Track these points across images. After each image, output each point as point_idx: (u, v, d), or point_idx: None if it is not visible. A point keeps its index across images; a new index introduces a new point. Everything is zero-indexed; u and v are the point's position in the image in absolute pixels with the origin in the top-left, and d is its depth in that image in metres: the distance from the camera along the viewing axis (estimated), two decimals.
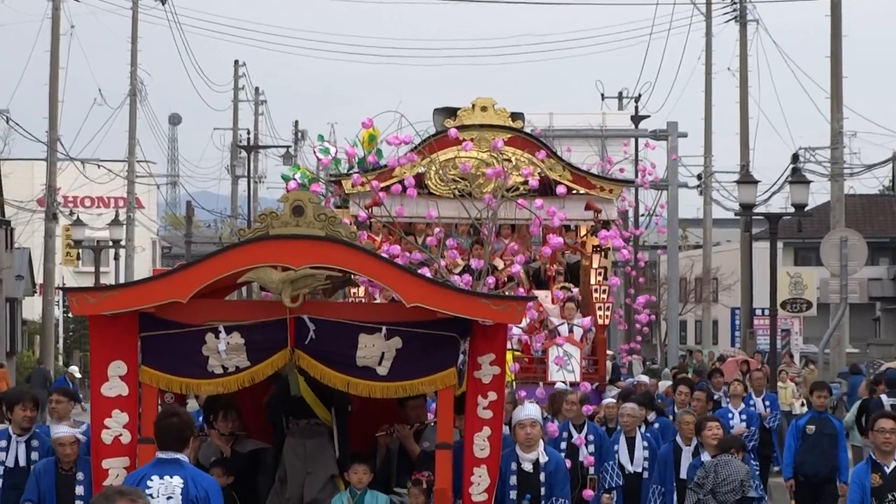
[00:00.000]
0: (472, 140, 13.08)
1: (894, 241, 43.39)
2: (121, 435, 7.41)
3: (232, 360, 7.40)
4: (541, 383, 13.45)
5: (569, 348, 13.96)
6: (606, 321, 14.93)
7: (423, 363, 7.51)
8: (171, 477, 6.80)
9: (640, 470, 11.86)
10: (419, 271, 10.34)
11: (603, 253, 15.04)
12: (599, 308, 14.87)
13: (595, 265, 15.05)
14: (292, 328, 7.43)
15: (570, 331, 14.48)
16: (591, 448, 11.78)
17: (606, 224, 14.80)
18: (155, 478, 6.81)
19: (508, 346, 13.24)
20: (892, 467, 8.47)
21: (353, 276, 8.11)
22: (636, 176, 16.18)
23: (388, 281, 7.32)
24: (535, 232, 11.65)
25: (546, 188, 13.33)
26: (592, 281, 15.07)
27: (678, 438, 11.61)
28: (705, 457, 10.62)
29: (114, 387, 7.41)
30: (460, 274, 12.84)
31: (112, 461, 7.41)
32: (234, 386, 7.52)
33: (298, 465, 8.38)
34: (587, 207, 14.68)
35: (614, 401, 13.90)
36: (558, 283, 15.44)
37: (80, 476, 8.92)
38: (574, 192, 14.59)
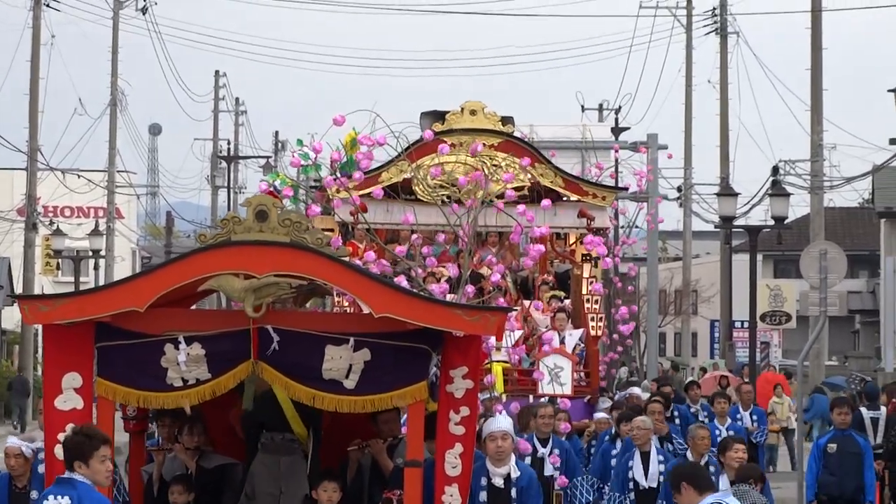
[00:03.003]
0: (461, 144, 12.78)
1: (874, 253, 43.31)
2: None
3: (192, 372, 7.11)
4: (530, 396, 13.14)
5: (560, 360, 13.63)
6: (599, 332, 14.61)
7: (392, 376, 7.23)
8: (62, 497, 6.46)
9: (654, 485, 11.44)
10: (396, 280, 10.06)
11: (594, 262, 14.76)
12: (592, 319, 14.56)
13: (586, 274, 14.76)
14: (255, 339, 7.14)
15: (562, 342, 14.15)
16: (558, 462, 11.44)
17: (599, 232, 14.54)
18: (50, 497, 6.47)
19: (499, 357, 13.00)
20: None
21: (322, 285, 7.81)
22: (616, 183, 15.95)
23: (355, 290, 7.03)
24: (516, 240, 11.29)
25: (537, 195, 13.09)
26: (584, 291, 14.78)
27: (689, 454, 11.26)
28: (724, 480, 10.23)
29: (68, 400, 7.13)
30: (441, 283, 12.54)
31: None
32: (194, 399, 7.23)
33: (272, 483, 8.08)
34: (580, 214, 14.40)
35: (605, 415, 13.57)
36: (547, 293, 15.11)
37: (33, 495, 8.58)
38: (565, 198, 14.31)
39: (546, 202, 11.08)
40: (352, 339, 7.14)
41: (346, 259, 7.15)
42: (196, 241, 6.99)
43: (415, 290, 8.80)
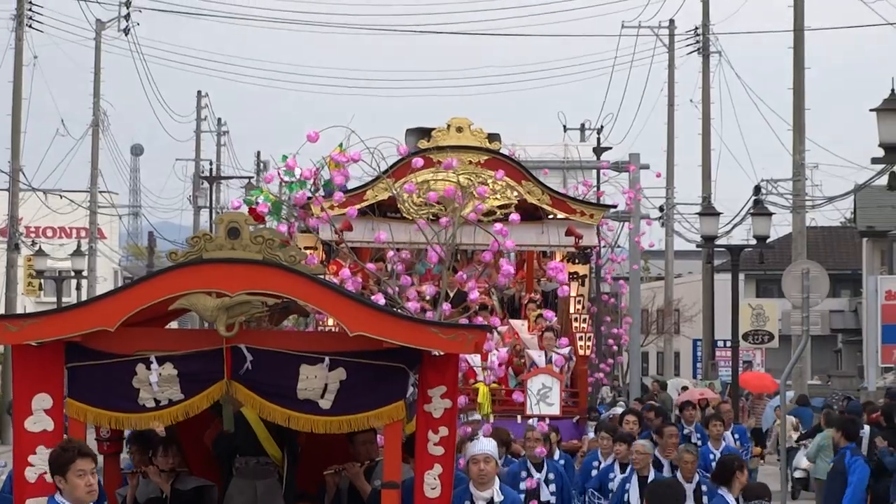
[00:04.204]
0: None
1: (856, 272, 43.38)
2: (45, 472, 6.90)
3: (164, 392, 6.98)
4: (518, 417, 13.01)
5: (548, 380, 13.50)
6: (587, 351, 14.46)
7: (368, 396, 7.10)
8: None
9: None
10: (374, 298, 9.94)
11: (580, 280, 14.66)
12: (580, 338, 14.41)
13: (573, 293, 14.64)
14: (229, 358, 7.02)
15: (549, 361, 14.01)
16: (553, 488, 11.29)
17: (586, 250, 14.44)
18: None
19: (482, 377, 12.83)
20: None
21: (296, 303, 7.69)
22: (598, 201, 15.91)
23: (329, 308, 6.92)
24: (487, 258, 11.16)
25: (524, 213, 12.97)
26: (571, 310, 14.63)
27: (678, 475, 11.14)
28: (730, 498, 10.11)
29: (38, 421, 6.99)
30: (421, 301, 12.38)
31: (36, 500, 6.94)
32: (167, 420, 7.11)
33: None
34: (568, 233, 14.30)
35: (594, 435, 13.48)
36: (534, 312, 14.98)
37: None
38: (551, 216, 14.21)
39: (515, 217, 10.98)
40: (327, 359, 7.01)
41: (321, 276, 7.05)
42: (168, 259, 6.89)
43: (391, 308, 8.69)
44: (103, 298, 7.02)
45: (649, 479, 11.29)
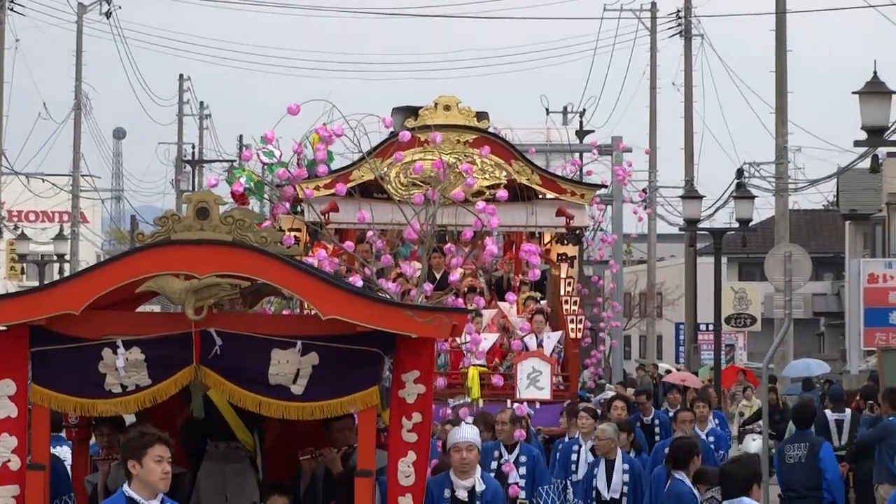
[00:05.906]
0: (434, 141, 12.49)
1: (838, 256, 43.41)
2: (9, 461, 6.78)
3: (131, 377, 6.79)
4: (508, 401, 12.86)
5: (539, 364, 13.34)
6: (579, 334, 14.27)
7: (342, 381, 6.94)
8: None
9: (617, 496, 11.06)
10: (351, 279, 9.76)
11: (570, 262, 14.49)
12: (571, 321, 14.21)
13: (563, 275, 14.45)
14: (198, 343, 6.84)
15: (540, 345, 13.83)
16: (523, 471, 11.14)
17: (577, 230, 14.29)
18: None
19: (475, 361, 12.69)
20: None
21: (268, 286, 7.51)
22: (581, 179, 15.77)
23: (301, 290, 6.75)
24: (468, 236, 10.98)
25: (515, 193, 12.80)
26: (561, 292, 14.45)
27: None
28: (688, 482, 10.03)
29: (2, 408, 6.80)
30: (402, 282, 12.24)
31: (2, 488, 6.80)
32: (133, 406, 6.93)
33: (217, 491, 7.81)
34: (558, 213, 14.12)
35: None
36: (524, 294, 14.80)
37: None
38: (541, 196, 14.04)
39: (502, 193, 10.78)
40: (299, 343, 6.84)
41: (293, 258, 6.88)
42: (135, 240, 6.73)
43: (366, 290, 8.53)
44: (68, 281, 6.84)
45: (616, 463, 11.17)
